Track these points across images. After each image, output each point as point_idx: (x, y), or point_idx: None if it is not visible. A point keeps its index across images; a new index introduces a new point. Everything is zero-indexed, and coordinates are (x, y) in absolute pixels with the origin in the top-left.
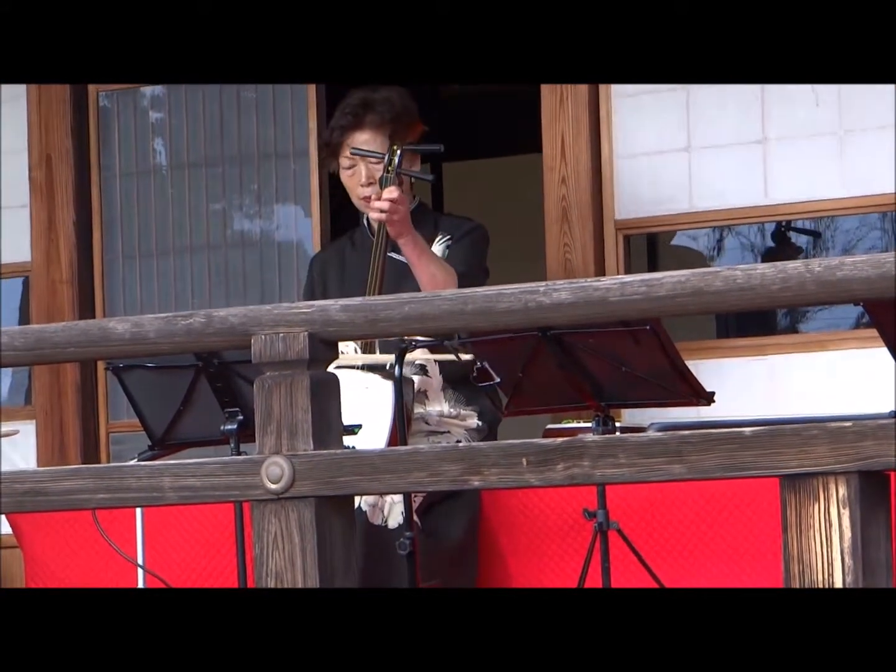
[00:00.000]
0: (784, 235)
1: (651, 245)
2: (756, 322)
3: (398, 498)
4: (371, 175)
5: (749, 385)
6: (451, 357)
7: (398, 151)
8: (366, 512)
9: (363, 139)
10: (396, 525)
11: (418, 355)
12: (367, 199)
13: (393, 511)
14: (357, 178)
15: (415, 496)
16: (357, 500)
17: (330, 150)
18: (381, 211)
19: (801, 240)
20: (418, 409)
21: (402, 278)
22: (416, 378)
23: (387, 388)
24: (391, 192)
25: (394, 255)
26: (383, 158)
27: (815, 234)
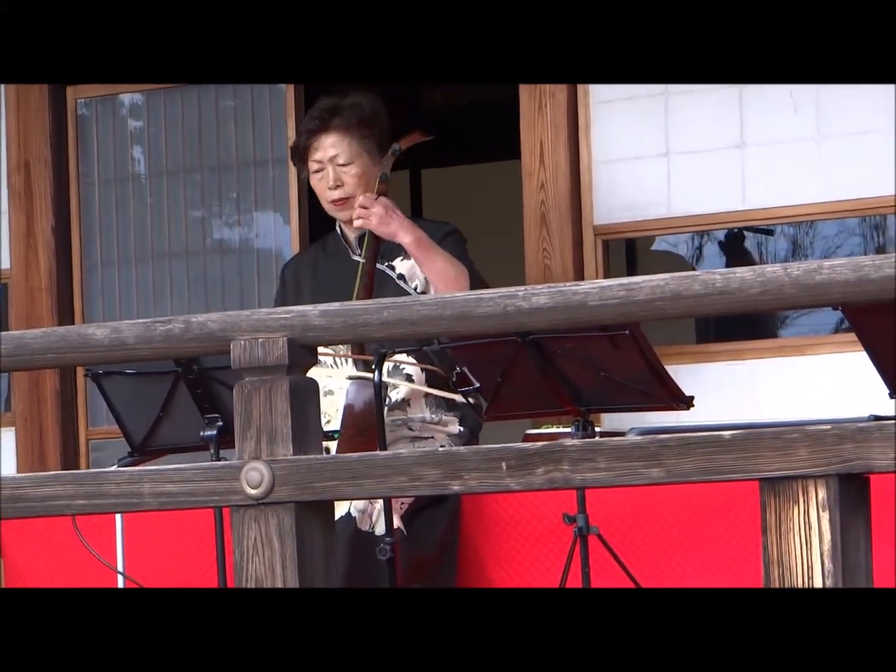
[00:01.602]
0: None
1: (630, 250)
2: (735, 327)
3: None
4: (338, 178)
5: (728, 389)
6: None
7: (399, 150)
8: (355, 518)
9: (329, 142)
10: (384, 531)
11: (408, 367)
12: (335, 202)
13: (381, 517)
14: (325, 182)
15: (401, 502)
16: (346, 505)
17: (298, 156)
18: (360, 218)
19: (764, 245)
20: (401, 416)
21: (380, 286)
22: (402, 386)
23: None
24: (360, 200)
25: (358, 258)
26: (384, 176)
27: (768, 233)
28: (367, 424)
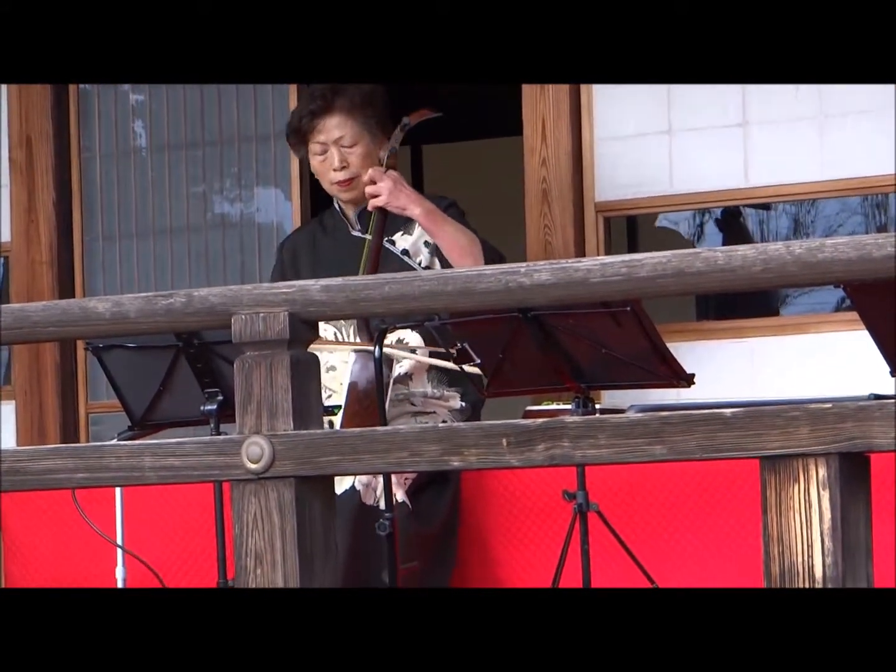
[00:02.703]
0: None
1: (631, 227)
2: (735, 305)
3: (393, 478)
4: (344, 159)
5: (729, 367)
6: (447, 363)
7: (408, 124)
8: (359, 491)
9: (334, 123)
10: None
11: (412, 341)
12: (340, 183)
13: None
14: (329, 163)
15: (405, 477)
16: (350, 479)
17: (299, 137)
18: (374, 196)
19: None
20: (402, 390)
21: (384, 262)
22: (406, 363)
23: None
24: (370, 174)
25: (367, 237)
26: (394, 150)
27: (765, 208)
28: (370, 401)
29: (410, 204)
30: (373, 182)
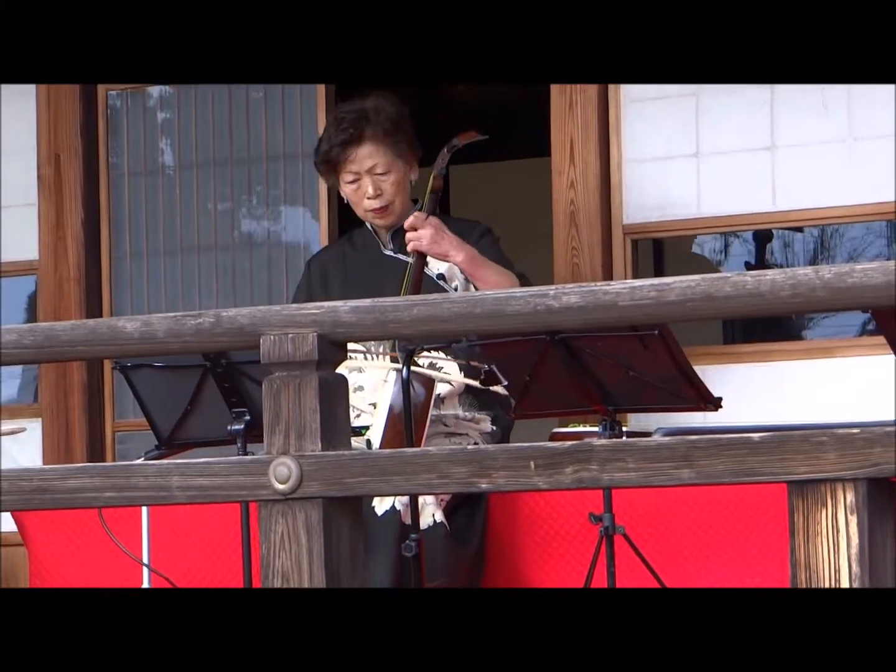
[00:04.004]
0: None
1: (657, 250)
2: (762, 328)
3: (430, 499)
4: (378, 187)
5: (754, 391)
6: (475, 382)
7: (457, 146)
8: (399, 511)
9: (365, 153)
10: (427, 526)
11: (446, 365)
12: (375, 211)
13: (425, 511)
14: (363, 192)
15: (441, 497)
16: (391, 499)
17: (330, 166)
18: (414, 241)
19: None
20: (434, 411)
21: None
22: (441, 387)
23: (386, 388)
24: (409, 222)
25: (400, 256)
26: (442, 171)
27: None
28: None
29: (452, 250)
30: (413, 228)
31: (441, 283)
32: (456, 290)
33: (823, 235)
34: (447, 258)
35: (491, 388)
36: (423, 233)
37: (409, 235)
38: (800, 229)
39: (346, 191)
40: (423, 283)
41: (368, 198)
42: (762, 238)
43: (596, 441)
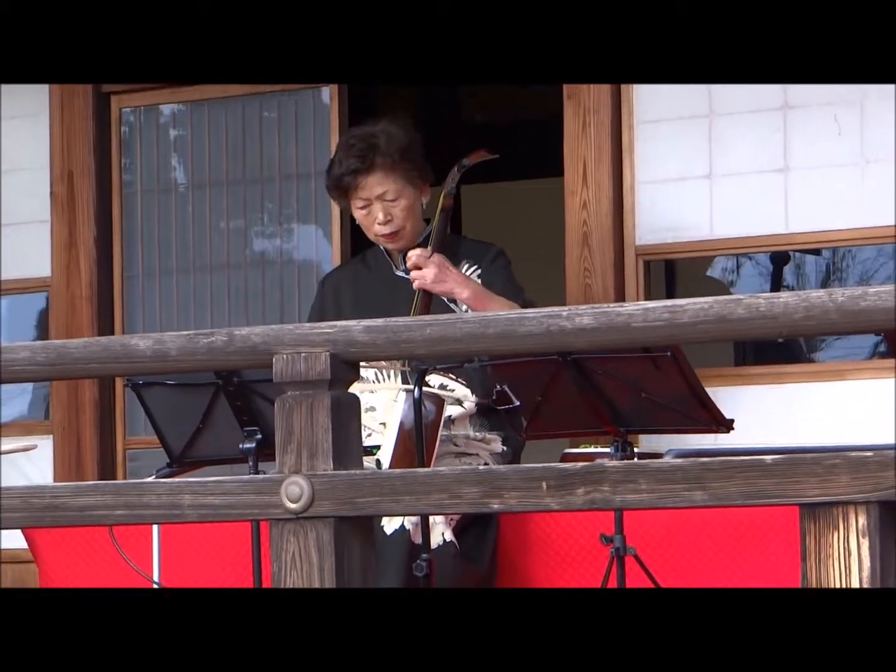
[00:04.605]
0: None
1: (669, 271)
2: (773, 350)
3: (440, 518)
4: (388, 213)
5: (766, 413)
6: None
7: (467, 166)
8: (409, 530)
9: (375, 180)
10: (437, 545)
11: (458, 388)
12: (386, 236)
13: (434, 531)
14: (373, 218)
15: (451, 518)
16: (400, 518)
17: (341, 192)
18: (415, 280)
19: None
20: (445, 432)
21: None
22: (452, 409)
23: (396, 407)
24: (413, 261)
25: (402, 274)
26: (452, 191)
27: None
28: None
29: (456, 287)
30: (417, 267)
31: (452, 304)
32: (466, 311)
33: (834, 257)
34: (452, 294)
35: (501, 408)
36: (426, 272)
37: (413, 274)
38: (813, 251)
39: (357, 216)
40: (432, 303)
41: (379, 223)
42: (776, 260)
43: (608, 462)
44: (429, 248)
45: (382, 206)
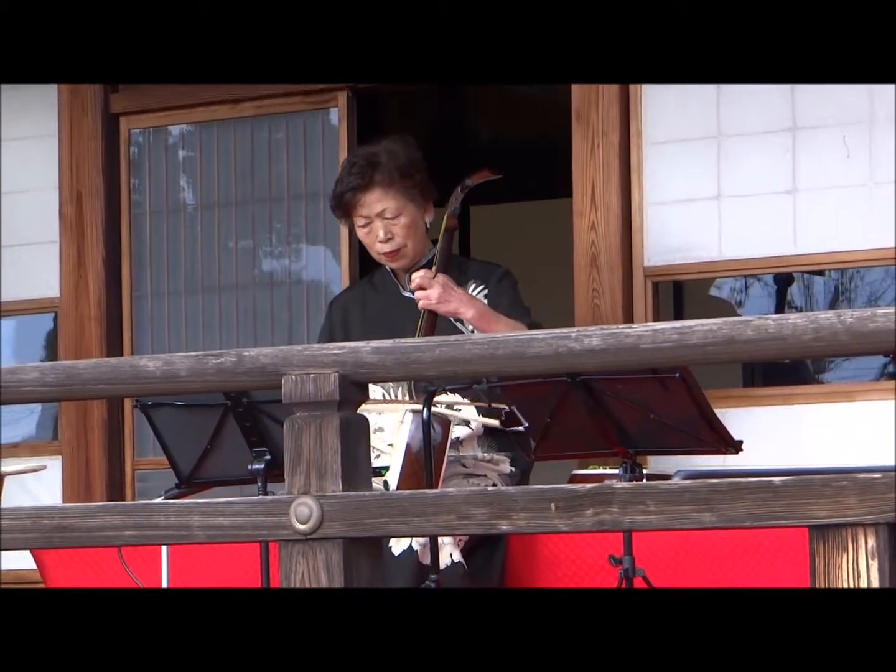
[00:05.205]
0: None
1: (677, 292)
2: (782, 371)
3: (448, 539)
4: (388, 231)
5: (774, 434)
6: (495, 422)
7: (470, 185)
8: (417, 551)
9: (375, 198)
10: (445, 566)
11: (465, 409)
12: (387, 254)
13: (443, 551)
14: (374, 236)
15: (459, 538)
16: (409, 539)
17: (342, 210)
18: (423, 299)
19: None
20: (453, 453)
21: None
22: (460, 430)
23: (403, 428)
24: (417, 282)
25: (409, 294)
26: (455, 211)
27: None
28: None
29: (461, 307)
30: (421, 287)
31: (458, 324)
32: (472, 331)
33: (842, 278)
34: (457, 314)
35: (510, 429)
36: (431, 292)
37: (417, 294)
38: (821, 272)
39: (360, 234)
40: (437, 324)
41: (380, 241)
42: (783, 281)
43: (617, 484)
44: (433, 268)
45: (383, 224)
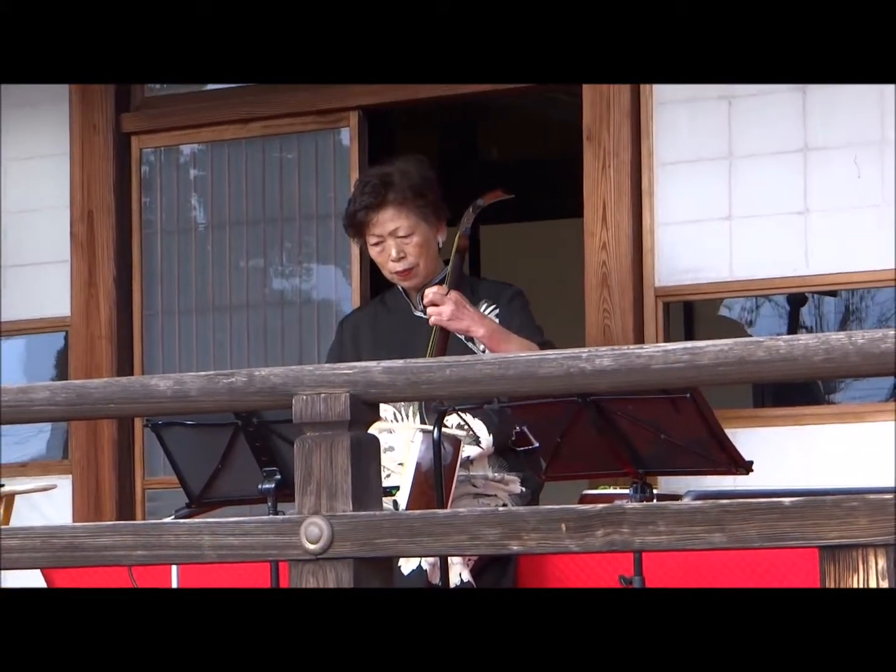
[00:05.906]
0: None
1: (688, 312)
2: (792, 392)
3: (458, 559)
4: (401, 250)
5: (785, 455)
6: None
7: (481, 206)
8: (426, 571)
9: (388, 217)
10: (454, 586)
11: (475, 427)
12: (399, 273)
13: (452, 571)
14: (387, 255)
15: (468, 558)
16: (418, 558)
17: (355, 229)
18: (432, 316)
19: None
20: (463, 472)
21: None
22: (470, 449)
23: (413, 448)
24: (430, 298)
25: (421, 314)
26: (467, 231)
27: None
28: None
29: (473, 325)
30: (434, 304)
31: (469, 343)
32: (483, 351)
33: (853, 299)
34: (468, 332)
35: (521, 449)
36: (443, 309)
37: (429, 311)
38: (832, 293)
39: (372, 253)
40: (448, 344)
41: (392, 260)
42: (794, 302)
43: (627, 504)
44: (445, 287)
45: (395, 243)
